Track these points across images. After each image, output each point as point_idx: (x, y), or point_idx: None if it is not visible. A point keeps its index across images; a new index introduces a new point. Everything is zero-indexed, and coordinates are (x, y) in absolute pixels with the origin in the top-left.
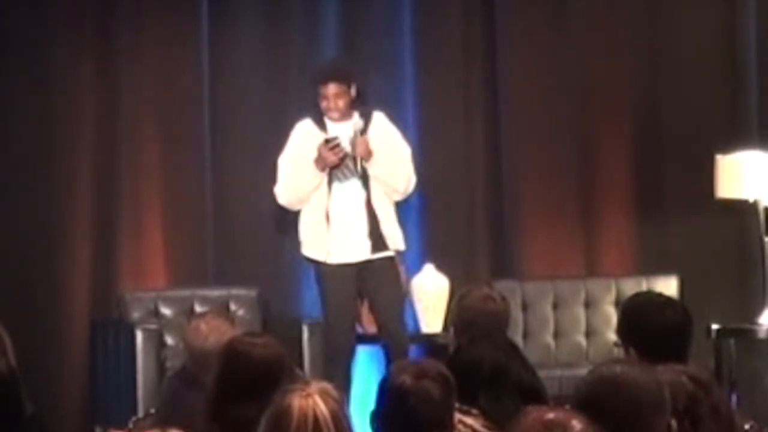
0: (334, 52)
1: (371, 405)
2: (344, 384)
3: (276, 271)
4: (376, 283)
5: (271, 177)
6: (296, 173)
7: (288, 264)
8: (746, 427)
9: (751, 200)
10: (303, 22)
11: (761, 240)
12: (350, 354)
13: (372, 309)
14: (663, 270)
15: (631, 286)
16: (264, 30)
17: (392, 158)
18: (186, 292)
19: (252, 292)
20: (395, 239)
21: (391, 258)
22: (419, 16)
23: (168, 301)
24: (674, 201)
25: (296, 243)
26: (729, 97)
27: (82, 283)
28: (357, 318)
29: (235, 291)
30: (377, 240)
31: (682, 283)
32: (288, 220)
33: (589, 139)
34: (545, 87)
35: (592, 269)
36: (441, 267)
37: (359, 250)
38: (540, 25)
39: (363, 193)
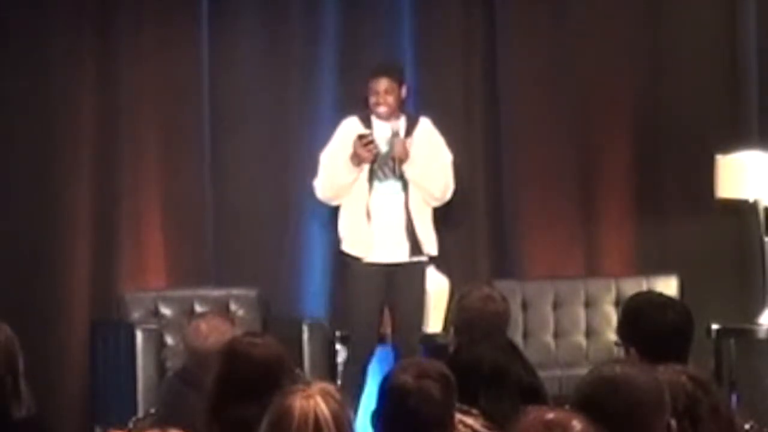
0: (334, 53)
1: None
2: (359, 384)
3: (276, 271)
4: (405, 288)
5: (272, 177)
6: (334, 168)
7: (288, 264)
8: (746, 427)
9: (751, 200)
10: (303, 22)
11: (761, 240)
12: (369, 356)
13: (393, 311)
14: (663, 270)
15: (631, 286)
16: (264, 30)
17: (431, 164)
18: (186, 292)
19: (252, 292)
20: (430, 244)
21: (422, 263)
22: (419, 16)
23: (168, 301)
24: (674, 201)
25: (297, 242)
26: (729, 97)
27: (82, 283)
28: (381, 320)
29: (235, 291)
30: (414, 244)
31: (682, 283)
32: (288, 219)
33: (589, 139)
34: (545, 87)
35: (592, 269)
36: (441, 267)
37: (397, 251)
38: (540, 26)
39: (402, 195)
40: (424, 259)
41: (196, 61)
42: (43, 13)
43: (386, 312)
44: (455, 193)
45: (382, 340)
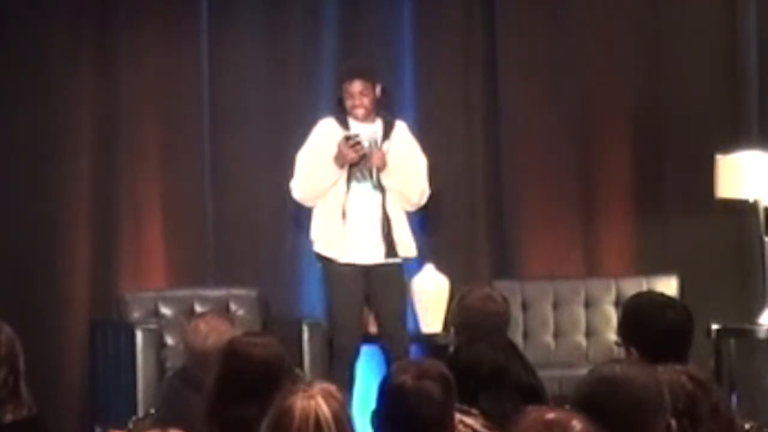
0: (334, 53)
1: (371, 405)
2: (348, 384)
3: (276, 271)
4: (384, 288)
5: (272, 177)
6: (314, 169)
7: (288, 264)
8: (746, 427)
9: (751, 200)
10: (303, 22)
11: (761, 240)
12: (355, 354)
13: (375, 312)
14: (663, 270)
15: (631, 286)
16: (264, 30)
17: (408, 169)
18: (186, 292)
19: (252, 292)
20: (407, 246)
21: (399, 264)
22: (419, 16)
23: (168, 301)
24: (674, 201)
25: (297, 242)
26: (729, 97)
27: (82, 283)
28: (363, 319)
29: (235, 291)
30: (390, 245)
31: (682, 283)
32: (288, 219)
33: (589, 139)
34: (545, 87)
35: (592, 269)
36: (441, 267)
37: (372, 253)
38: (540, 26)
39: (379, 197)
40: (399, 260)
41: (196, 61)
42: (43, 13)
43: (368, 312)
44: (455, 192)
45: (368, 340)
